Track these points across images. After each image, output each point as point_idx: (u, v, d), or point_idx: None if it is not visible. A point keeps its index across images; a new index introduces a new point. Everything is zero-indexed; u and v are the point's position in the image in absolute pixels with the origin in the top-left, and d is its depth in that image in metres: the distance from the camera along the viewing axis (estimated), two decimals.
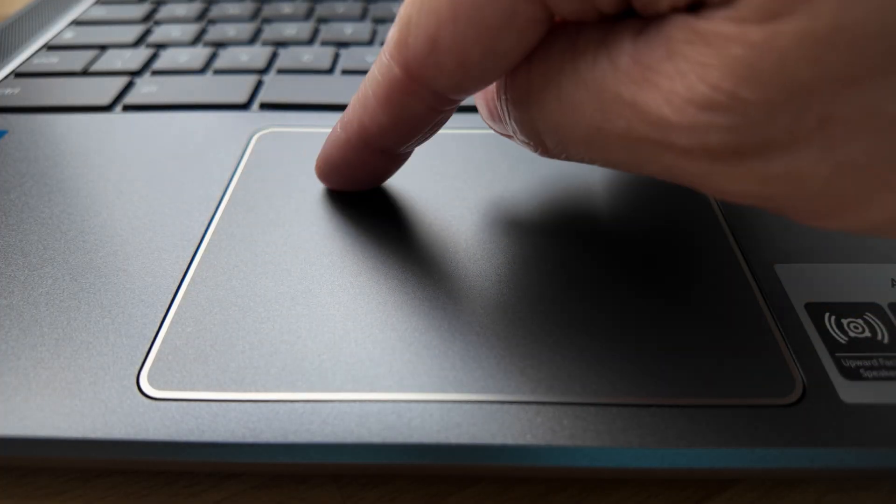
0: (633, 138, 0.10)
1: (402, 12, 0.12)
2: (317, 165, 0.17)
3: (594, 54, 0.10)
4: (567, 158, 0.13)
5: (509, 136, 0.15)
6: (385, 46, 0.13)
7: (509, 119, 0.13)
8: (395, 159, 0.16)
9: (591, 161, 0.12)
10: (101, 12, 0.30)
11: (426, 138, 0.15)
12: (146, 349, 0.14)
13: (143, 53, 0.26)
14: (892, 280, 0.15)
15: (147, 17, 0.30)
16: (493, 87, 0.14)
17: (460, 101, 0.14)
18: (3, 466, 0.14)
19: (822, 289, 0.15)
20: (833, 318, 0.14)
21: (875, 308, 0.14)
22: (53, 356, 0.13)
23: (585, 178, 0.19)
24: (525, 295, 0.15)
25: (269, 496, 0.14)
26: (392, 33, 0.13)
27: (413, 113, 0.14)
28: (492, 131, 0.21)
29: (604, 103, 0.10)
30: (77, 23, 0.29)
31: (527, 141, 0.13)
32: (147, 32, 0.28)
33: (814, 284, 0.15)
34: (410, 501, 0.14)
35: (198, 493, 0.14)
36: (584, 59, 0.11)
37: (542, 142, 0.13)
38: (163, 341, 0.14)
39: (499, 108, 0.14)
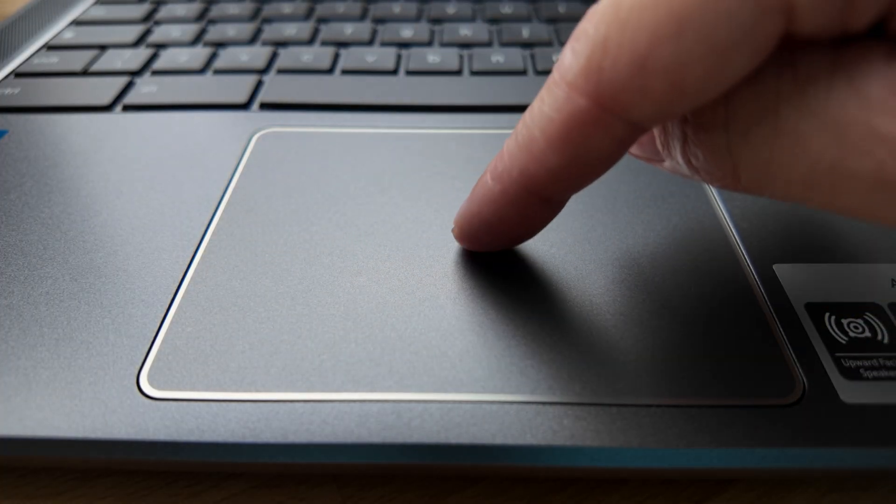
0: (882, 181, 0.09)
1: (590, 32, 0.10)
2: (459, 226, 0.15)
3: (828, 80, 0.09)
4: (758, 194, 0.11)
5: (657, 163, 0.13)
6: (559, 78, 0.11)
7: (684, 144, 0.12)
8: (556, 208, 0.14)
9: (796, 200, 0.10)
10: (101, 12, 0.30)
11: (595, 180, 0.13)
12: (146, 349, 0.14)
13: (143, 53, 0.26)
14: (892, 280, 0.15)
15: (147, 17, 0.30)
16: None
17: (651, 129, 0.12)
18: (3, 466, 0.14)
19: (822, 289, 0.15)
20: (833, 318, 0.14)
21: (875, 308, 0.14)
22: (53, 356, 0.13)
23: None
24: (524, 295, 0.15)
25: (269, 496, 0.14)
26: (572, 60, 0.11)
27: (597, 151, 0.11)
28: (501, 132, 0.21)
29: (843, 137, 0.09)
30: (77, 23, 0.29)
31: (709, 171, 0.11)
32: (147, 32, 0.28)
33: (814, 284, 0.15)
34: (410, 501, 0.14)
35: (198, 493, 0.14)
36: (813, 85, 0.09)
37: (735, 173, 0.11)
38: (163, 341, 0.14)
39: (669, 132, 0.12)
